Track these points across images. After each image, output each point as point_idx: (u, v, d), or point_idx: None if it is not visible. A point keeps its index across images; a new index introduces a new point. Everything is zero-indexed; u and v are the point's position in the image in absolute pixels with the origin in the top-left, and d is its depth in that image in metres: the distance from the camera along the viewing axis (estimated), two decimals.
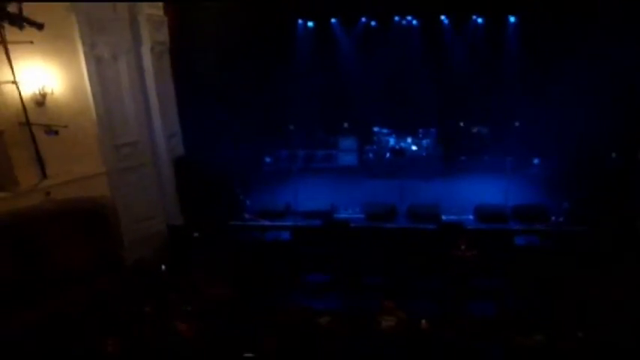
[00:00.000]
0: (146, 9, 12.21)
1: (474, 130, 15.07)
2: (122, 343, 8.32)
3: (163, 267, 11.88)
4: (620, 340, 8.34)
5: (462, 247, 11.02)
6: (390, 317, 9.11)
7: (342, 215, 13.54)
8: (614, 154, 12.59)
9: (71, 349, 8.33)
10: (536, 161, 14.26)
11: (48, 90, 10.82)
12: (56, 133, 10.80)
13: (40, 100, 10.79)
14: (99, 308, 9.66)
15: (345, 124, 15.87)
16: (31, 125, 10.65)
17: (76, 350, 8.27)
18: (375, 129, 15.78)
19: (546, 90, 13.39)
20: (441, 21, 15.33)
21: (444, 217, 12.89)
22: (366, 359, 8.44)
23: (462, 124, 15.14)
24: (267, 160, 15.89)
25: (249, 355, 8.12)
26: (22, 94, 10.46)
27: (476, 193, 13.48)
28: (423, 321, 9.02)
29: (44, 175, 11.07)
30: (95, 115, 11.55)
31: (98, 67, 11.46)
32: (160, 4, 12.74)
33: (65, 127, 10.87)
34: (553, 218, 12.43)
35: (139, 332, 8.72)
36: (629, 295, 9.88)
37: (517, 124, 13.07)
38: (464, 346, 8.50)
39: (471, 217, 12.90)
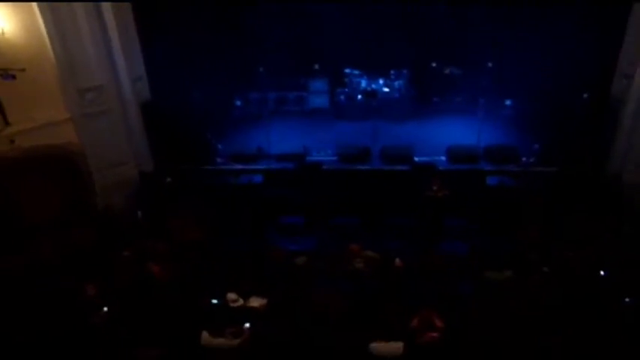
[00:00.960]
0: None
1: (447, 71, 14.92)
2: (101, 287, 8.33)
3: (139, 213, 11.78)
4: (582, 274, 8.67)
5: (435, 187, 11.14)
6: (358, 260, 9.25)
7: (315, 158, 13.48)
8: (585, 95, 12.63)
9: (51, 296, 8.30)
10: (508, 102, 14.25)
11: None
12: (13, 77, 10.32)
13: None
14: (76, 255, 9.57)
15: (316, 66, 15.54)
16: None
17: (56, 296, 8.25)
18: (347, 70, 15.52)
19: (519, 31, 13.26)
20: None
21: (416, 159, 12.92)
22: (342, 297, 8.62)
23: (434, 64, 14.96)
24: (238, 103, 15.57)
25: (215, 301, 8.21)
26: None
27: (448, 134, 13.53)
28: (397, 259, 9.19)
29: (6, 122, 10.69)
30: (54, 57, 11.01)
31: (52, 8, 10.74)
32: None
33: (23, 70, 10.39)
34: (524, 159, 12.55)
35: (117, 277, 8.71)
36: (594, 232, 10.19)
37: (490, 65, 12.97)
38: (436, 283, 8.72)
39: (443, 158, 12.95)
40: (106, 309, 7.89)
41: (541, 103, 13.11)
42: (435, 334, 7.13)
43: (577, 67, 12.53)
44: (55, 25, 10.88)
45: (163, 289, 8.46)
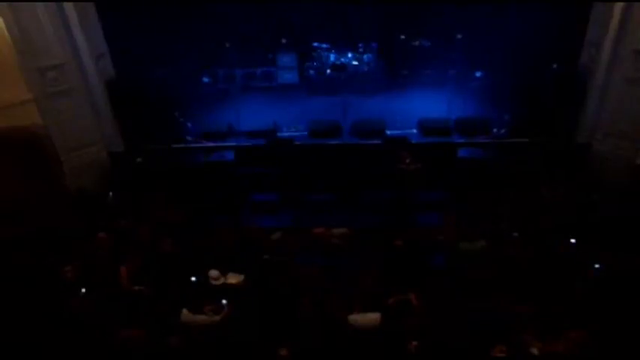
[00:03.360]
0: None
1: (416, 43, 14.82)
2: (79, 269, 8.21)
3: (110, 194, 11.59)
4: (550, 240, 8.85)
5: (407, 160, 11.16)
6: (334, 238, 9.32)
7: (286, 133, 13.41)
8: (554, 65, 12.74)
9: (29, 278, 8.16)
10: (478, 74, 14.27)
11: None
12: None
13: None
14: (50, 238, 9.38)
15: (284, 40, 15.36)
16: None
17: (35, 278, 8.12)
18: (315, 44, 15.36)
19: (488, 1, 13.24)
20: None
21: (388, 132, 12.93)
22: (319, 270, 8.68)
23: (402, 37, 14.87)
24: (205, 80, 15.31)
25: (194, 278, 8.18)
26: None
27: (419, 107, 13.49)
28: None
29: None
30: (9, 36, 10.64)
31: None
32: None
33: None
34: (495, 130, 12.67)
35: (94, 259, 8.60)
36: (563, 200, 10.39)
37: (459, 36, 12.98)
38: (412, 254, 8.82)
39: (414, 130, 12.99)
40: (84, 290, 7.80)
41: (511, 74, 13.17)
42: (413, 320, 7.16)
43: (546, 37, 12.55)
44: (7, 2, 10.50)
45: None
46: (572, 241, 8.66)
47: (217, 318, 7.32)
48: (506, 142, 12.42)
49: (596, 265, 7.96)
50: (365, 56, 15.10)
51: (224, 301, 7.62)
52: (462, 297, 7.64)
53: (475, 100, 13.60)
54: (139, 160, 12.73)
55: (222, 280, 8.20)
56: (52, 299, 7.67)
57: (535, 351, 6.38)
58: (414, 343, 6.53)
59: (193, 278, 8.16)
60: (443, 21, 13.66)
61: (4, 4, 10.43)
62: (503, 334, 6.61)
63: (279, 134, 13.34)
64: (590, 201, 10.23)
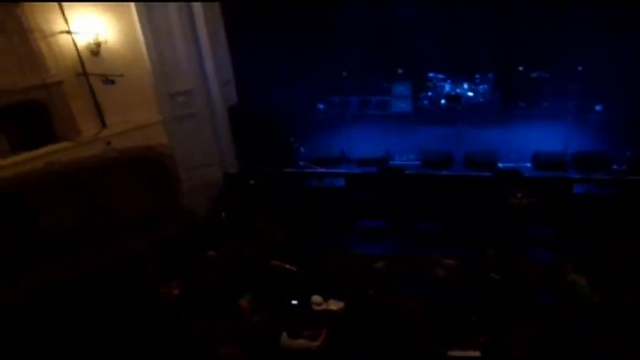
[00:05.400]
0: None
1: (534, 74, 14.39)
2: (186, 286, 8.67)
3: (223, 214, 12.13)
4: None
5: (519, 194, 10.83)
6: (440, 268, 9.19)
7: (397, 162, 13.39)
8: None
9: (137, 292, 8.73)
10: (598, 107, 13.57)
11: (102, 39, 10.94)
12: (112, 82, 10.99)
13: (95, 50, 10.94)
14: (163, 253, 10.00)
15: (400, 70, 15.47)
16: (88, 75, 10.90)
17: (142, 293, 8.68)
18: (430, 74, 15.32)
19: (610, 32, 12.62)
20: None
21: (500, 165, 12.58)
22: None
23: (521, 68, 14.48)
24: (321, 106, 15.75)
25: (295, 302, 8.37)
26: (77, 44, 10.66)
27: (534, 140, 13.01)
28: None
29: (104, 125, 11.37)
30: (149, 63, 11.64)
31: (149, 13, 11.36)
32: None
33: (121, 75, 11.05)
34: (615, 167, 11.98)
35: (202, 276, 9.04)
36: None
37: (580, 68, 12.45)
38: (522, 289, 8.54)
39: (528, 164, 12.56)
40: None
41: (633, 108, 12.42)
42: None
43: None
44: (151, 31, 11.49)
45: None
46: None
47: (316, 344, 7.44)
48: (627, 179, 11.65)
49: None
50: (481, 87, 14.89)
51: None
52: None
53: (594, 134, 12.97)
54: (252, 182, 13.20)
55: (323, 306, 8.31)
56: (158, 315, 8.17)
57: None
58: None
59: (294, 302, 8.35)
60: (563, 52, 13.20)
61: (149, 33, 11.44)
62: None
63: (390, 162, 13.35)
64: None
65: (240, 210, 12.37)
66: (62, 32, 10.49)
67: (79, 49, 10.73)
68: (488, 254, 9.27)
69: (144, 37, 11.40)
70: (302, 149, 13.91)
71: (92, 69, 10.96)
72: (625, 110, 12.70)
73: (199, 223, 11.92)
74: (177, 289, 8.57)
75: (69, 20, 10.42)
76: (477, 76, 14.95)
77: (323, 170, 13.47)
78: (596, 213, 10.93)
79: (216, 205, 12.93)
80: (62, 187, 10.54)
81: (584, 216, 10.96)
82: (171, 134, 12.36)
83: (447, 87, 15.15)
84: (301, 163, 13.81)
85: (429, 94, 15.29)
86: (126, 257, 10.09)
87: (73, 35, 10.56)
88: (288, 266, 9.49)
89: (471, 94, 14.90)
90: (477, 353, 7.03)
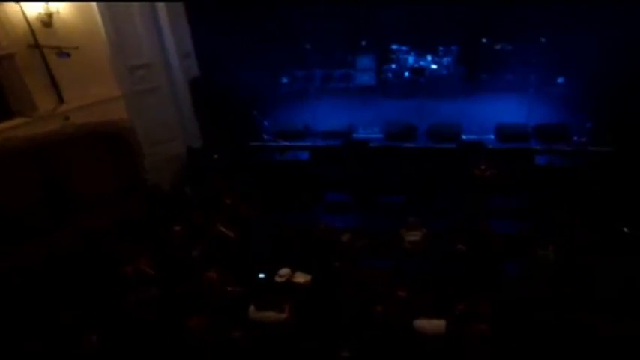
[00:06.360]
0: None
1: (497, 47, 14.45)
2: (154, 262, 8.57)
3: (187, 189, 12.01)
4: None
5: (483, 166, 10.96)
6: (415, 232, 9.27)
7: (361, 135, 13.41)
8: None
9: (105, 269, 8.60)
10: (560, 80, 13.78)
11: (53, 9, 10.56)
12: (68, 55, 10.70)
13: (47, 21, 10.59)
14: (128, 230, 9.85)
15: (363, 42, 15.36)
16: (41, 47, 10.52)
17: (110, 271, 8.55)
18: (394, 47, 15.28)
19: (573, 6, 12.70)
20: None
21: (464, 137, 12.68)
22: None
23: (484, 40, 14.54)
24: (284, 80, 15.61)
25: (262, 275, 8.37)
26: (27, 14, 10.25)
27: (497, 113, 13.15)
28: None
29: (62, 100, 11.05)
30: (105, 35, 11.29)
31: None
32: None
33: (76, 48, 10.76)
34: (575, 138, 12.20)
35: (170, 252, 8.95)
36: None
37: (542, 40, 12.56)
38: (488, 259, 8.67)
39: (491, 136, 12.68)
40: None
41: (594, 80, 12.58)
42: (482, 327, 7.02)
43: (633, 41, 11.96)
44: (105, 2, 11.11)
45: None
46: None
47: (283, 316, 7.44)
48: (587, 150, 11.88)
49: None
50: (444, 59, 14.90)
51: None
52: (532, 306, 7.45)
53: (556, 106, 13.14)
54: (215, 156, 13.09)
55: (286, 278, 8.32)
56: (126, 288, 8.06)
57: None
58: None
59: (262, 275, 8.33)
60: (526, 25, 13.25)
61: (104, 5, 11.08)
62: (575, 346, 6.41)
63: (354, 136, 13.35)
64: None
65: (204, 185, 12.25)
66: (9, 0, 10.05)
67: (29, 19, 10.33)
68: (453, 225, 9.37)
69: (98, 9, 11.04)
70: (266, 123, 13.79)
71: (45, 41, 10.61)
72: (586, 83, 12.87)
73: (164, 199, 11.76)
74: (147, 266, 8.46)
75: None
76: (441, 48, 14.95)
77: (287, 144, 13.41)
78: (558, 183, 11.13)
79: (180, 180, 12.77)
80: (19, 165, 10.24)
81: (546, 186, 11.14)
82: (132, 109, 12.11)
83: (411, 59, 15.11)
84: (265, 136, 13.69)
85: (393, 66, 15.24)
86: (90, 235, 9.87)
87: (21, 5, 10.14)
88: (226, 231, 9.53)
89: (434, 66, 14.90)
90: (442, 322, 7.10)
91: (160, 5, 12.16)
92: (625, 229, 9.39)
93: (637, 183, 10.71)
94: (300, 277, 8.41)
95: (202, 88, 13.54)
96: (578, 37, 12.68)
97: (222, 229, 9.65)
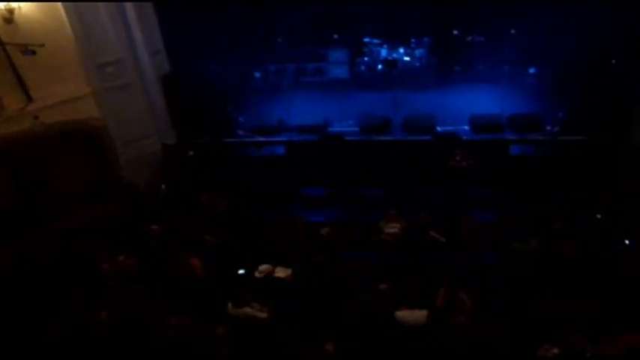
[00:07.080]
0: None
1: (469, 38, 14.56)
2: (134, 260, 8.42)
3: (163, 186, 11.86)
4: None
5: (458, 157, 11.02)
6: (394, 224, 9.27)
7: (336, 129, 13.38)
8: (613, 61, 12.24)
9: (85, 268, 8.44)
10: (532, 70, 13.93)
11: (14, 5, 10.22)
12: (34, 53, 10.38)
13: (8, 17, 10.24)
14: (105, 229, 9.68)
15: (335, 36, 15.36)
16: (4, 45, 10.23)
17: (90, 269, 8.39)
18: (366, 39, 15.29)
19: None
20: None
21: (439, 128, 12.74)
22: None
23: (456, 32, 14.63)
24: (257, 74, 15.49)
25: (242, 271, 8.30)
26: None
27: (471, 104, 13.24)
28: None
29: (29, 99, 10.76)
30: (71, 32, 11.02)
31: None
32: None
33: (42, 46, 10.44)
34: (548, 128, 12.33)
35: (148, 250, 8.81)
36: (617, 200, 10.04)
37: (513, 31, 12.69)
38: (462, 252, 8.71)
39: (466, 127, 12.77)
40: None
41: (566, 70, 12.76)
42: (462, 318, 7.05)
43: (604, 32, 12.09)
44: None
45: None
46: (627, 242, 8.39)
47: (264, 315, 7.36)
48: (560, 139, 12.03)
49: None
50: (417, 51, 14.96)
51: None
52: (512, 296, 7.50)
53: (529, 97, 13.28)
54: (190, 153, 12.95)
55: (266, 273, 8.25)
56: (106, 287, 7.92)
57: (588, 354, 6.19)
58: None
59: (241, 271, 8.25)
60: (497, 16, 13.38)
61: (71, 3, 10.80)
62: (554, 335, 6.44)
63: (329, 129, 13.32)
64: None
65: (180, 182, 12.10)
66: None
67: None
68: (422, 217, 9.40)
69: (63, 6, 10.77)
70: (240, 118, 13.70)
71: (8, 38, 10.29)
72: (557, 72, 13.04)
73: (140, 197, 11.58)
74: (129, 264, 8.32)
75: None
76: (413, 40, 15.00)
77: (263, 139, 13.33)
78: (532, 172, 11.25)
79: (156, 178, 12.59)
80: None
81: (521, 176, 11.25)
82: (104, 106, 11.88)
83: (384, 52, 15.13)
84: (240, 132, 13.59)
85: (366, 59, 15.25)
86: (66, 235, 9.66)
87: None
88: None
89: (407, 58, 14.95)
90: (423, 313, 7.11)
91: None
92: (598, 216, 9.49)
93: (608, 171, 10.92)
94: (281, 272, 8.34)
95: (174, 84, 13.35)
96: (548, 27, 12.83)
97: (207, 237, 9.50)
